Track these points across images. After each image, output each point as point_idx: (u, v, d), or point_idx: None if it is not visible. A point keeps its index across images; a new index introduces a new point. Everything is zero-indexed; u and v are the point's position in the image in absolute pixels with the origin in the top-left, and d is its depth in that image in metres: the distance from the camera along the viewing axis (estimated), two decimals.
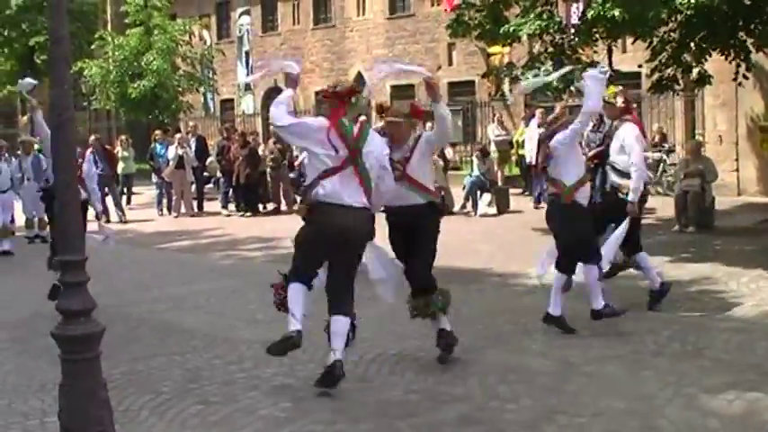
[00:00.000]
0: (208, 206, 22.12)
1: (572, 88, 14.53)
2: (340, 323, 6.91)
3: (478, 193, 18.68)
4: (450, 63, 30.71)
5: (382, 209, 7.57)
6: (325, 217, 6.89)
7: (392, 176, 7.21)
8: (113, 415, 5.13)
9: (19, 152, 17.33)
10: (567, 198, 8.33)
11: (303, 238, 7.10)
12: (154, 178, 22.66)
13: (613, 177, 9.34)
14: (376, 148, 7.04)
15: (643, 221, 14.87)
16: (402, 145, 7.41)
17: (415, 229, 7.42)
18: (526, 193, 20.82)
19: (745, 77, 15.34)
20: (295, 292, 7.01)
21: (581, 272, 8.45)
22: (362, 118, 8.13)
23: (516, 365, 7.48)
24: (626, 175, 9.04)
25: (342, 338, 6.88)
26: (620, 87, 10.13)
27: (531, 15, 14.27)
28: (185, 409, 6.70)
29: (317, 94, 33.65)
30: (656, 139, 22.69)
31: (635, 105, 19.59)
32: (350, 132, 6.93)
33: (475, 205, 18.62)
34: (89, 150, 13.79)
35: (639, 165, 9.02)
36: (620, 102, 9.30)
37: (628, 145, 9.02)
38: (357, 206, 6.90)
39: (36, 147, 16.15)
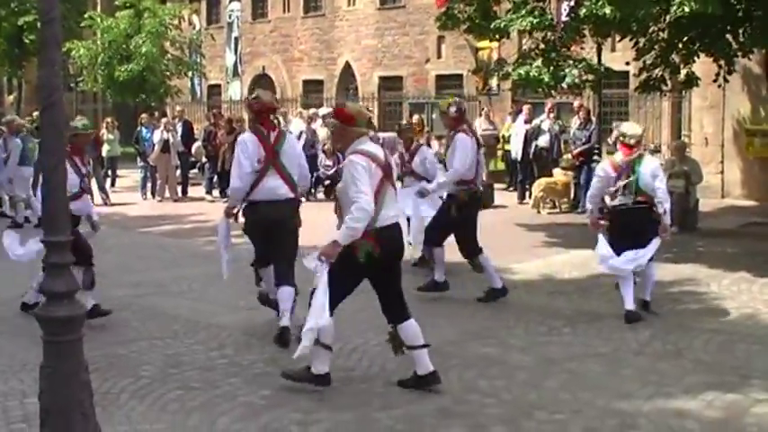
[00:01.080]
0: (192, 191, 22.05)
1: (563, 85, 14.54)
2: (286, 291, 8.01)
3: None
4: (439, 56, 30.62)
5: None
6: (260, 212, 8.08)
7: (306, 176, 8.58)
8: (94, 397, 5.12)
9: (3, 130, 17.21)
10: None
11: (249, 231, 8.43)
12: (139, 162, 22.57)
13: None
14: (290, 149, 8.25)
15: None
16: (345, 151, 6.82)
17: None
18: (511, 189, 20.84)
19: (726, 80, 15.34)
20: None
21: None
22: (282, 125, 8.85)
23: (497, 360, 7.52)
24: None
25: (288, 302, 7.96)
26: (456, 98, 10.49)
27: (523, 11, 14.24)
28: (165, 393, 6.72)
29: (305, 83, 33.67)
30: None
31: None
32: (267, 140, 8.08)
33: None
34: None
35: (455, 172, 9.60)
36: (452, 111, 9.74)
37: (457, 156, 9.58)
38: (281, 200, 8.05)
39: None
